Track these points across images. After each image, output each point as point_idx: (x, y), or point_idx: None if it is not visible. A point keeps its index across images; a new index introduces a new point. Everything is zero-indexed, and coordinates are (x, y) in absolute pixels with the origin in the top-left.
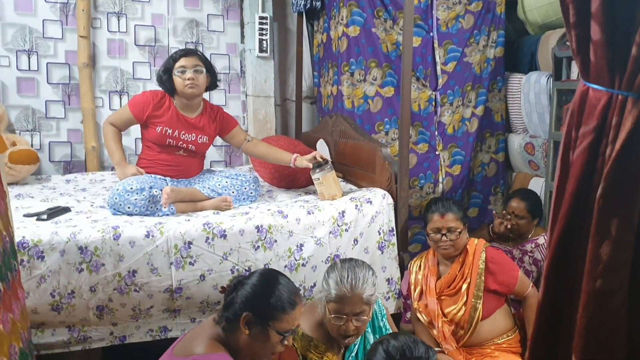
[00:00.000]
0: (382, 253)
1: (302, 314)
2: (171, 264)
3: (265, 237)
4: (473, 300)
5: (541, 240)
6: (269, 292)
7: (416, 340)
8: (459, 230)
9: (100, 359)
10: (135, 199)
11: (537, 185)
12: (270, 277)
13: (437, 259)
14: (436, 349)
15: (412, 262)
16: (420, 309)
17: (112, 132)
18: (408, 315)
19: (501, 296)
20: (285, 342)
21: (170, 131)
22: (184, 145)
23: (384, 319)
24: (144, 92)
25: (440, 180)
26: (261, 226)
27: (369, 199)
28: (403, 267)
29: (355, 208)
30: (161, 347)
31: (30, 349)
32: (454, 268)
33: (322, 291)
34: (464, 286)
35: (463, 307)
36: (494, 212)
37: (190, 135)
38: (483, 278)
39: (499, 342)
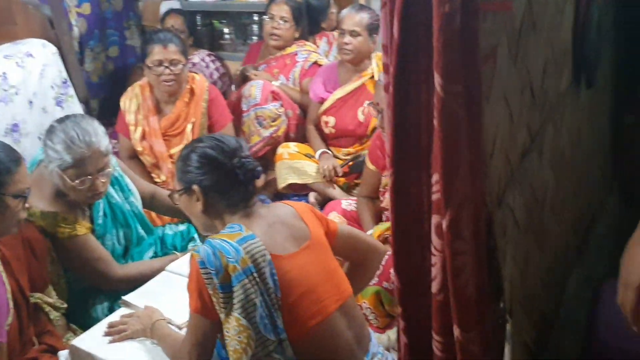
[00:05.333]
0: (63, 109)
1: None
2: None
3: None
4: None
5: (196, 59)
6: None
7: (222, 134)
8: (182, 63)
9: None
10: None
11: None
12: None
13: (155, 97)
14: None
15: (123, 100)
16: (145, 151)
17: None
18: None
19: None
20: (27, 205)
21: None
22: None
23: (117, 167)
24: None
25: (74, 22)
26: None
27: (29, 52)
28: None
29: (17, 66)
30: None
31: None
32: (179, 107)
33: (52, 161)
34: (189, 126)
35: None
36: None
37: None
38: (206, 117)
39: None
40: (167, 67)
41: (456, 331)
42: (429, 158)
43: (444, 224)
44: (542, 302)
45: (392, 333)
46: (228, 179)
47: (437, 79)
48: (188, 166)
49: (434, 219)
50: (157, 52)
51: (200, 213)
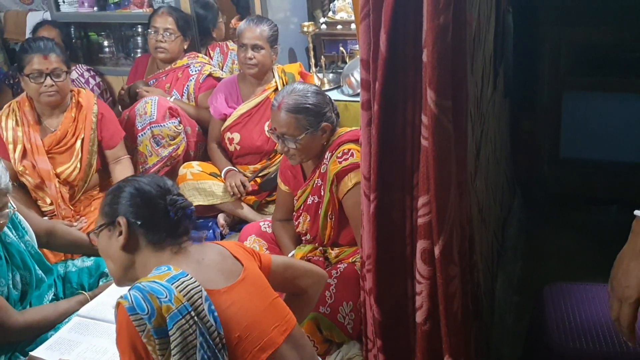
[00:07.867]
0: None
1: None
2: None
3: None
4: (88, 156)
5: (74, 74)
6: None
7: (160, 177)
8: (65, 71)
9: None
10: None
11: (35, 18)
12: None
13: (36, 112)
14: None
15: (1, 115)
16: (26, 171)
17: None
18: None
19: None
20: None
21: None
22: None
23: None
24: None
25: None
26: None
27: None
28: None
29: None
30: None
31: None
32: (66, 123)
33: None
34: (79, 143)
35: (78, 164)
36: None
37: None
38: (96, 133)
39: None
40: (48, 76)
41: None
42: (412, 180)
43: (437, 250)
44: (484, 311)
45: (331, 359)
46: (159, 215)
47: (430, 95)
48: (118, 198)
49: (421, 244)
50: (36, 62)
51: (120, 250)
